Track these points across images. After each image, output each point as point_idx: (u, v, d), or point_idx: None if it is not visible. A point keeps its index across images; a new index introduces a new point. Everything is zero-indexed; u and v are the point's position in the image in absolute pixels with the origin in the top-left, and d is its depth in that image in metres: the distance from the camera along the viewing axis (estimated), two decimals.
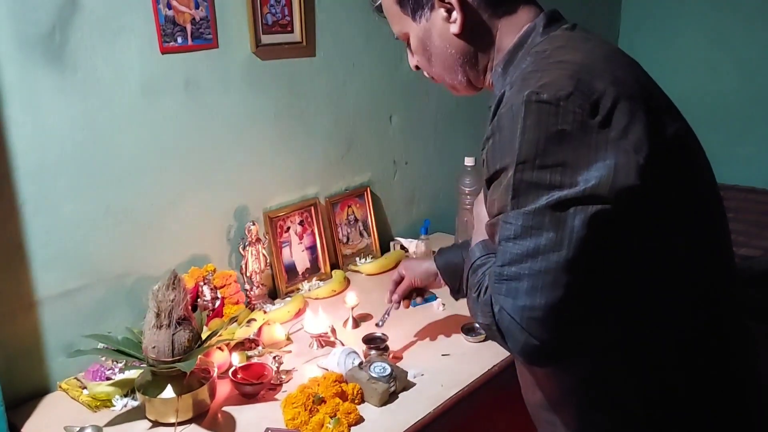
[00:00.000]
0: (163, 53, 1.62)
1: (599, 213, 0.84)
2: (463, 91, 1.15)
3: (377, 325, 1.66)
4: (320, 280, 2.04)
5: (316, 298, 1.93)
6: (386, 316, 1.64)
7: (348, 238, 2.17)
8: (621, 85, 0.89)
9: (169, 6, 1.60)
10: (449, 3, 1.02)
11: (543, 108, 0.86)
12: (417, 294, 1.62)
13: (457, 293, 1.49)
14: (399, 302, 1.60)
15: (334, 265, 2.11)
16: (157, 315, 1.34)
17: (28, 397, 1.50)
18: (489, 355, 1.57)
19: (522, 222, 0.87)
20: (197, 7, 1.66)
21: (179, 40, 1.64)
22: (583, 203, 0.84)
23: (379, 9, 1.14)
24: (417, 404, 1.41)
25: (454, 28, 1.04)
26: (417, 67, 1.17)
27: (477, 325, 1.67)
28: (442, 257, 1.50)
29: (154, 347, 1.34)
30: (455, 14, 1.03)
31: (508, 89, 0.94)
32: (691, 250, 0.94)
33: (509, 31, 1.04)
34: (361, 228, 2.21)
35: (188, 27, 1.65)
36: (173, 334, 1.34)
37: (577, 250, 0.84)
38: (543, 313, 0.86)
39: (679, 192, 0.92)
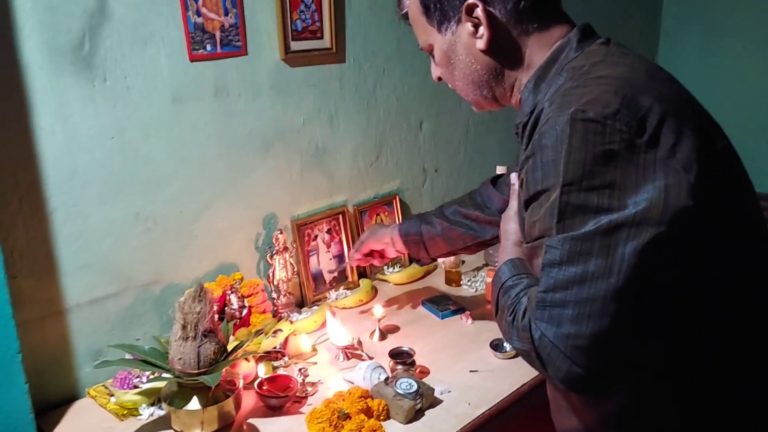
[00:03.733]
0: (192, 61, 1.62)
1: (651, 239, 0.80)
2: (487, 107, 1.12)
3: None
4: (347, 289, 2.02)
5: (343, 308, 1.91)
6: (343, 265, 1.93)
7: None
8: (666, 100, 0.86)
9: (199, 13, 1.59)
10: (477, 18, 0.99)
11: (589, 127, 0.83)
12: (380, 256, 1.79)
13: (416, 261, 1.90)
14: (357, 262, 1.82)
15: (362, 274, 2.09)
16: (183, 327, 1.34)
17: (57, 403, 1.51)
18: (518, 373, 1.54)
19: (569, 247, 0.84)
20: (226, 14, 1.65)
21: (208, 47, 1.64)
22: (633, 228, 0.81)
23: (406, 17, 1.12)
24: (443, 423, 1.39)
25: (481, 43, 1.01)
26: (439, 79, 1.15)
27: (506, 342, 1.64)
28: (403, 226, 1.72)
29: (180, 359, 1.34)
30: (482, 30, 1.00)
31: (547, 105, 0.91)
32: (739, 269, 0.91)
33: (540, 48, 1.01)
34: None
35: (217, 34, 1.65)
36: (199, 347, 1.33)
37: (626, 279, 0.81)
38: (589, 341, 0.83)
39: (727, 210, 0.89)
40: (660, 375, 0.92)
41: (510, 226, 1.11)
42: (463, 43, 1.03)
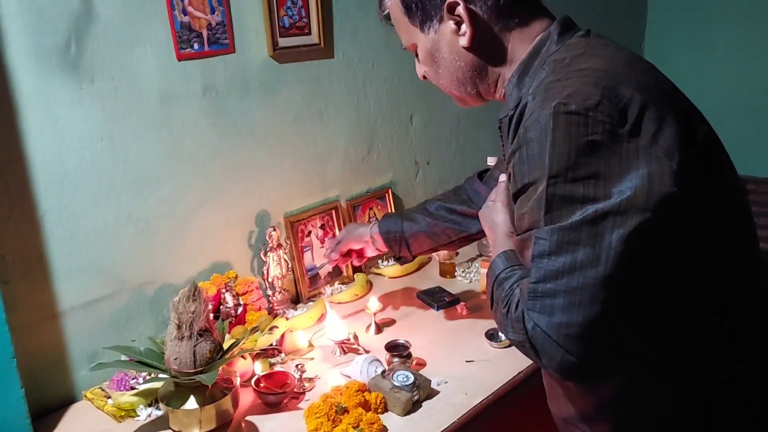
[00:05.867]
0: (179, 60, 1.61)
1: (637, 226, 0.81)
2: (471, 103, 1.14)
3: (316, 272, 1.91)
4: (342, 283, 2.02)
5: (339, 303, 1.91)
6: (319, 269, 1.90)
7: None
8: (646, 90, 0.87)
9: (185, 12, 1.59)
10: (458, 16, 1.00)
11: (572, 119, 0.84)
12: (356, 255, 1.76)
13: (397, 259, 1.75)
14: (334, 260, 1.77)
15: (357, 269, 2.09)
16: (178, 327, 1.33)
17: (53, 407, 1.51)
18: (514, 362, 1.54)
19: (557, 238, 0.85)
20: (213, 12, 1.65)
21: (196, 46, 1.63)
22: (619, 216, 0.82)
23: (388, 18, 1.12)
24: (441, 413, 1.39)
25: (464, 41, 1.02)
26: (424, 77, 1.16)
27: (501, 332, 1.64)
28: (383, 224, 1.68)
29: (176, 359, 1.34)
30: (465, 27, 1.01)
31: (531, 100, 0.92)
32: (725, 254, 0.92)
33: (522, 42, 1.02)
34: None
35: (204, 33, 1.64)
36: (195, 346, 1.33)
37: (614, 266, 0.82)
38: (580, 329, 0.84)
39: (710, 196, 0.90)
40: (654, 361, 0.93)
41: (499, 217, 1.12)
42: (446, 42, 1.04)
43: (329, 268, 1.99)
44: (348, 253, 1.76)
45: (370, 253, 1.75)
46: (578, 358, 0.85)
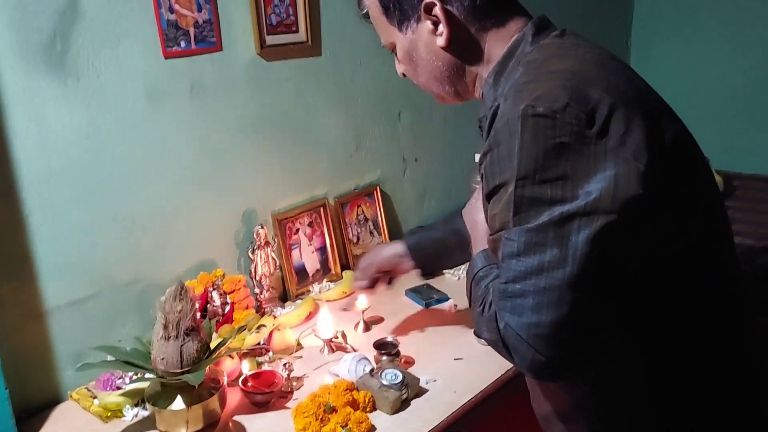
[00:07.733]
0: (166, 58, 1.60)
1: (603, 227, 0.82)
2: (450, 101, 1.14)
3: (344, 309, 1.82)
4: (331, 281, 2.02)
5: (327, 301, 1.91)
6: (354, 302, 1.75)
7: (358, 238, 2.15)
8: (616, 91, 0.88)
9: (171, 10, 1.58)
10: (435, 16, 1.01)
11: (540, 121, 0.84)
12: (388, 277, 1.64)
13: (427, 275, 1.62)
14: (366, 288, 1.63)
15: (345, 266, 2.09)
16: (165, 326, 1.32)
17: (38, 407, 1.49)
18: (502, 359, 1.50)
19: (525, 239, 0.86)
20: (200, 10, 1.63)
21: (182, 44, 1.62)
22: (585, 217, 0.82)
23: (367, 16, 1.13)
24: (430, 412, 1.39)
25: (441, 41, 1.02)
26: (404, 75, 1.16)
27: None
28: (413, 237, 1.59)
29: (162, 359, 1.33)
30: (441, 27, 1.01)
31: (503, 102, 0.93)
32: (696, 253, 0.93)
33: (498, 42, 1.02)
34: (372, 227, 2.18)
35: (191, 30, 1.63)
36: (181, 346, 1.32)
37: (581, 267, 0.83)
38: (549, 329, 0.85)
39: (681, 196, 0.91)
40: (628, 359, 0.94)
41: (479, 216, 1.13)
42: (423, 41, 1.05)
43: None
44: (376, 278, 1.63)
45: (403, 271, 1.61)
46: (548, 358, 0.86)
